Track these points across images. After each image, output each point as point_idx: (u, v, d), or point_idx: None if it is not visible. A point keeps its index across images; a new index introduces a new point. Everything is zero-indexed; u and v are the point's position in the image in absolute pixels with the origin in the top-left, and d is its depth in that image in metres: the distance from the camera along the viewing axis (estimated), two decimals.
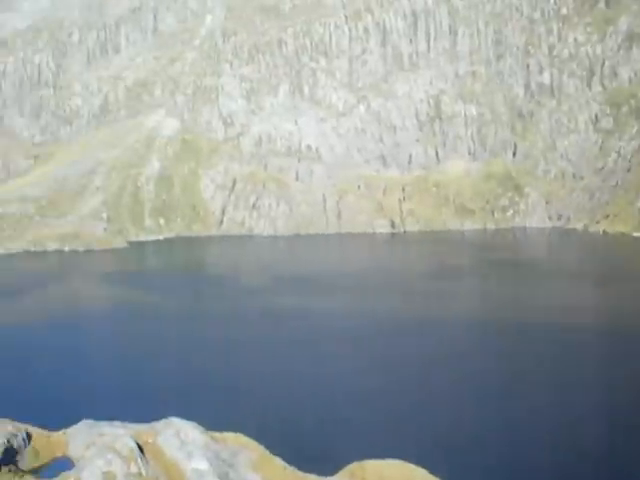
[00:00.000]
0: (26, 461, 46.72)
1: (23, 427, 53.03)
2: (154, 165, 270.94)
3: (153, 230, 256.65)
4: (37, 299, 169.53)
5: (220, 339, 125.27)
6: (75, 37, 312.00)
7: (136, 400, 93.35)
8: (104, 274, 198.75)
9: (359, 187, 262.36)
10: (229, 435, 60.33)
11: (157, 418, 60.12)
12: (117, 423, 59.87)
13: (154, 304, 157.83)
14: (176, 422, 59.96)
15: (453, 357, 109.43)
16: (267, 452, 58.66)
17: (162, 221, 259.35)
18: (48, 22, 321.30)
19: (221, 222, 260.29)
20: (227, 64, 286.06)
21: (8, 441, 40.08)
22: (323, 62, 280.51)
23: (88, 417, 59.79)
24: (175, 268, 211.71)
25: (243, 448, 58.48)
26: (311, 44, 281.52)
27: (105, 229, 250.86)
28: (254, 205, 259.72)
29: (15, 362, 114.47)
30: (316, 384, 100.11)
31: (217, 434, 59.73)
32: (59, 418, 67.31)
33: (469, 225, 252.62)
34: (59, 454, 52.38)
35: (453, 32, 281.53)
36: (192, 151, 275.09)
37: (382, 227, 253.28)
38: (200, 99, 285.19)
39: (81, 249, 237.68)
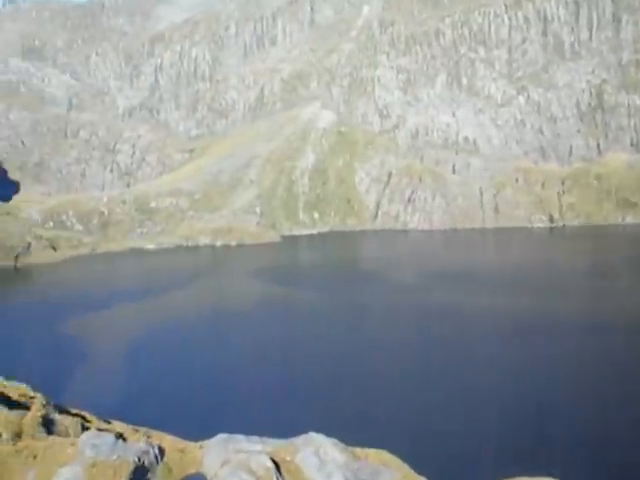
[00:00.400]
0: (158, 479, 41.38)
1: (157, 440, 47.05)
2: (309, 158, 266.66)
3: (307, 224, 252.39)
4: (187, 296, 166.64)
5: (372, 340, 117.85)
6: (232, 30, 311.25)
7: (278, 409, 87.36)
8: (256, 269, 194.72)
9: (517, 180, 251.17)
10: (371, 452, 53.29)
11: (303, 429, 53.80)
12: (255, 438, 53.15)
13: (306, 301, 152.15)
14: (316, 438, 52.66)
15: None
16: (412, 472, 51.32)
17: (316, 215, 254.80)
18: (205, 15, 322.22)
19: (375, 216, 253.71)
20: (384, 55, 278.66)
21: (139, 459, 34.93)
22: (482, 52, 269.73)
23: (226, 428, 53.92)
24: (329, 263, 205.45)
25: (385, 467, 51.03)
26: (470, 34, 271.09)
27: (258, 223, 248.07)
28: (409, 199, 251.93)
29: (157, 361, 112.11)
30: (471, 392, 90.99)
31: (359, 450, 52.76)
32: (195, 427, 62.29)
33: (631, 219, 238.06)
34: (192, 470, 46.64)
35: (616, 20, 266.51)
36: (347, 144, 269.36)
37: (540, 221, 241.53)
38: (356, 91, 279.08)
39: (233, 243, 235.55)
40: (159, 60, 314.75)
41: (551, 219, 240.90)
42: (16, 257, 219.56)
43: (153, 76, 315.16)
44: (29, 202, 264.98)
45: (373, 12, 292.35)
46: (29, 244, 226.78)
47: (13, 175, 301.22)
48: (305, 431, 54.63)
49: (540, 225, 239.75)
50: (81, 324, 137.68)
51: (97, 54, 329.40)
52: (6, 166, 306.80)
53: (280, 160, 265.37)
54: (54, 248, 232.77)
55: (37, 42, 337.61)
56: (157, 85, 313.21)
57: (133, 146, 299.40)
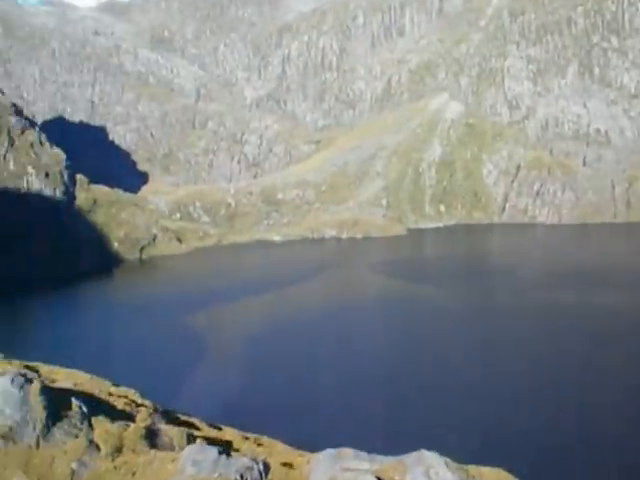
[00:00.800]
0: None
1: (267, 448, 46.28)
2: (436, 150, 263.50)
3: (433, 217, 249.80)
4: (311, 290, 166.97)
5: (500, 346, 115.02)
6: (359, 20, 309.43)
7: (393, 418, 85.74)
8: (381, 263, 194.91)
9: None
10: (486, 470, 51.33)
11: (416, 444, 52.15)
12: (364, 454, 51.84)
13: (431, 298, 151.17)
14: (428, 456, 50.99)
15: None
16: None
17: (442, 208, 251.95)
18: (333, 5, 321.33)
19: (503, 209, 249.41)
20: (513, 45, 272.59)
21: (242, 476, 33.98)
22: (615, 41, 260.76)
23: (338, 435, 53.18)
24: (455, 258, 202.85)
25: None
26: (602, 22, 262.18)
27: (384, 216, 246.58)
28: (538, 192, 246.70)
29: (275, 360, 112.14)
30: (609, 407, 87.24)
31: (472, 468, 50.85)
32: (309, 432, 61.83)
33: None
34: None
35: None
36: (475, 135, 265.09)
37: None
38: (485, 81, 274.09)
39: (359, 236, 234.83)
40: (287, 51, 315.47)
41: None
42: (141, 249, 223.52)
43: (280, 67, 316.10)
44: (157, 193, 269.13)
45: (503, 1, 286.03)
46: (155, 236, 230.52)
47: (142, 166, 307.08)
48: (417, 447, 52.90)
49: None
50: (203, 318, 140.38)
51: (225, 45, 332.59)
52: (135, 157, 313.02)
53: (407, 152, 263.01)
54: (180, 240, 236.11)
55: (166, 33, 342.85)
56: (284, 76, 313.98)
57: (260, 137, 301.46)
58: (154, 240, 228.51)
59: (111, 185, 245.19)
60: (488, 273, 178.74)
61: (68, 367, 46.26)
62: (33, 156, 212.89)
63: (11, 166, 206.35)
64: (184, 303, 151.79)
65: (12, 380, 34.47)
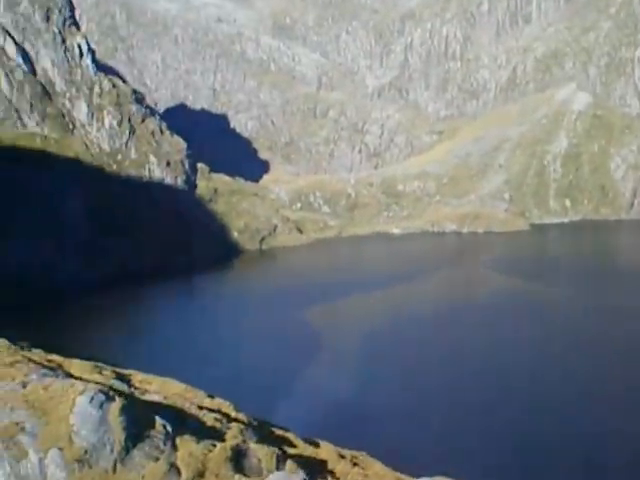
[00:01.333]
0: None
1: (362, 468, 43.80)
2: (562, 142, 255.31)
3: (557, 212, 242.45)
4: (427, 287, 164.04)
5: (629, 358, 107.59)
6: (484, 7, 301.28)
7: (506, 447, 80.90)
8: (502, 260, 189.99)
9: None
10: None
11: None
12: None
13: (552, 301, 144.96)
14: None
15: None
16: None
17: (568, 203, 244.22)
18: None
19: (632, 205, 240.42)
20: None
21: None
22: None
23: (438, 465, 49.59)
24: (581, 256, 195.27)
25: None
26: None
27: (506, 210, 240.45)
28: None
29: (383, 367, 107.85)
30: None
31: None
32: (412, 450, 59.14)
33: None
34: None
35: None
36: (603, 128, 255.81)
37: None
38: (614, 72, 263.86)
39: (480, 231, 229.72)
40: (409, 38, 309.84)
41: None
42: (262, 239, 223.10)
43: (403, 55, 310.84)
44: (277, 182, 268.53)
45: None
46: (275, 226, 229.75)
47: (263, 155, 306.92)
48: None
49: None
50: (318, 313, 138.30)
51: (347, 32, 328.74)
52: (256, 145, 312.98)
53: (531, 144, 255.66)
54: (300, 230, 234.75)
55: (288, 20, 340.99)
56: (407, 64, 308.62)
57: (381, 127, 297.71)
58: (274, 230, 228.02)
59: (232, 173, 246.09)
60: (618, 275, 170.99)
61: (168, 370, 44.56)
62: (154, 144, 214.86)
63: (132, 154, 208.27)
64: (301, 297, 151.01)
65: (91, 399, 33.16)
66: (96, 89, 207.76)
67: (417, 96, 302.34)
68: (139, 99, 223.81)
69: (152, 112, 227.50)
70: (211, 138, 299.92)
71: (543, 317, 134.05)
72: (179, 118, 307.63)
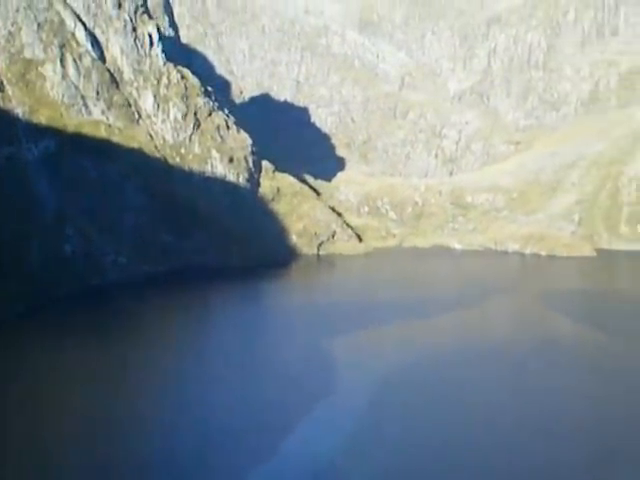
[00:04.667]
0: None
1: None
2: (639, 164, 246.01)
3: (629, 238, 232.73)
4: (471, 319, 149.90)
5: None
6: (570, 16, 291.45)
7: None
8: (560, 292, 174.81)
9: None
10: None
11: None
12: None
13: (609, 354, 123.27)
14: None
15: None
16: None
17: None
18: None
19: None
20: None
21: None
22: None
23: None
24: None
25: None
26: None
27: (573, 233, 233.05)
28: None
29: (403, 420, 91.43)
30: None
31: None
32: None
33: None
34: None
35: None
36: None
37: None
38: None
39: (543, 253, 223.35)
40: (493, 43, 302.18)
41: None
42: (319, 245, 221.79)
43: (486, 60, 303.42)
44: (350, 182, 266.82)
45: None
46: (334, 232, 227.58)
47: (340, 151, 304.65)
48: None
49: None
50: (346, 343, 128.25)
51: (433, 32, 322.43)
52: (335, 141, 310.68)
53: (606, 164, 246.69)
54: (360, 238, 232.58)
55: (375, 16, 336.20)
56: (489, 70, 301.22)
57: (459, 132, 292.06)
58: (333, 237, 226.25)
59: (307, 168, 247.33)
60: None
61: None
62: (218, 139, 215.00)
63: (196, 149, 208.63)
64: (333, 319, 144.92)
65: None
66: (164, 80, 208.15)
67: (497, 103, 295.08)
68: (208, 92, 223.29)
69: (220, 106, 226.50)
70: (291, 130, 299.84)
71: (592, 375, 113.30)
72: (263, 108, 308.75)
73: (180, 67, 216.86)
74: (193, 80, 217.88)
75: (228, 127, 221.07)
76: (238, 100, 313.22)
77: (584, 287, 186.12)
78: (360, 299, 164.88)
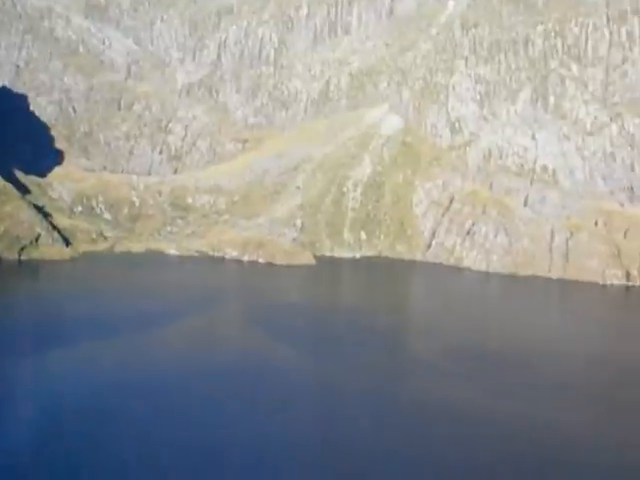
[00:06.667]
0: None
1: None
2: (365, 169, 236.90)
3: (351, 246, 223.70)
4: (172, 338, 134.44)
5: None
6: (303, 11, 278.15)
7: None
8: (267, 306, 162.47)
9: (596, 224, 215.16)
10: None
11: None
12: None
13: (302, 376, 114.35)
14: None
15: None
16: None
17: (363, 236, 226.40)
18: None
19: (429, 246, 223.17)
20: (462, 60, 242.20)
21: None
22: (575, 69, 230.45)
23: None
24: (367, 307, 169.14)
25: None
26: (563, 46, 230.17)
27: (294, 239, 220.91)
28: (469, 231, 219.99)
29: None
30: None
31: None
32: None
33: None
34: None
35: None
36: (411, 156, 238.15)
37: (615, 278, 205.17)
38: (428, 97, 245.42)
39: (261, 261, 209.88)
40: (224, 35, 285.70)
41: (627, 277, 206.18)
42: (21, 249, 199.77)
43: (216, 52, 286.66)
44: (67, 178, 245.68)
45: (458, 9, 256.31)
46: (38, 235, 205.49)
47: (59, 144, 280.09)
48: None
49: (615, 282, 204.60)
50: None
51: (162, 20, 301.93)
52: (54, 132, 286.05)
53: (333, 167, 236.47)
54: (67, 241, 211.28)
55: (102, 0, 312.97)
56: (219, 63, 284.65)
57: (186, 127, 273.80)
58: (37, 240, 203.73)
59: (19, 163, 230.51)
60: (402, 337, 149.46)
61: None
62: None
63: None
64: (14, 341, 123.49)
65: None
66: None
67: (227, 98, 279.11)
68: None
69: None
70: (10, 118, 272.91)
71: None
72: None
73: None
74: None
75: None
76: None
77: (296, 300, 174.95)
78: (70, 313, 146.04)
